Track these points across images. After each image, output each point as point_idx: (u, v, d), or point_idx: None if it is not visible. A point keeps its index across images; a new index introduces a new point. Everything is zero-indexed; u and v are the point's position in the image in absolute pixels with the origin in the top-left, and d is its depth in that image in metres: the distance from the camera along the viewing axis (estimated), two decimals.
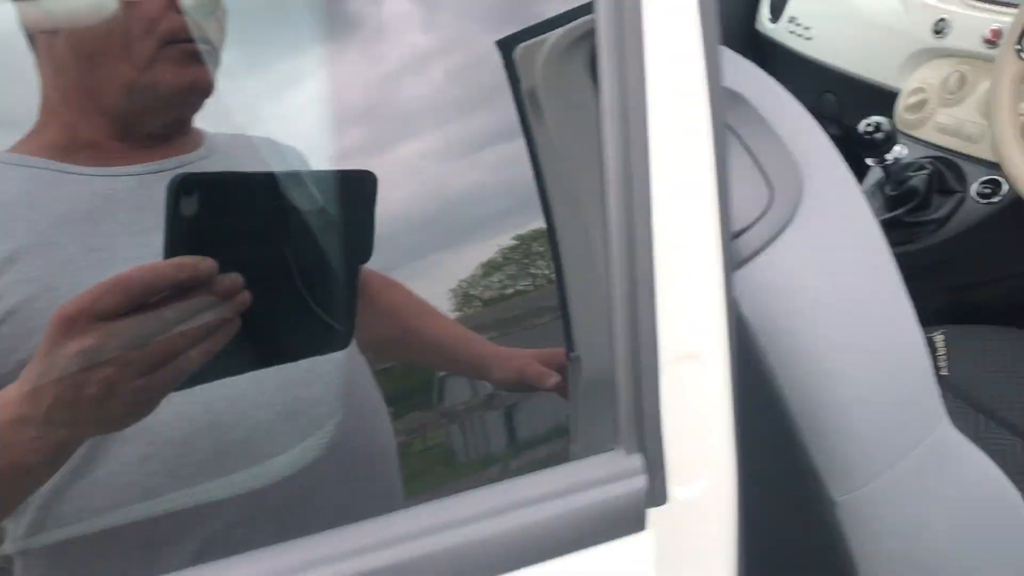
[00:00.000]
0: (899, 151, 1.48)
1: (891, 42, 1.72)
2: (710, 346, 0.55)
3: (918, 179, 1.52)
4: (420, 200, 0.66)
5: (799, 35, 1.99)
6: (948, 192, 1.52)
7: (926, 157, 1.59)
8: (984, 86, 1.51)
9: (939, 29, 1.60)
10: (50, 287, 0.58)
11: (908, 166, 1.58)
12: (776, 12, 2.10)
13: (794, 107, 0.71)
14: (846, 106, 1.92)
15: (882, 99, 1.72)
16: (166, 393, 0.52)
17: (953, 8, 1.59)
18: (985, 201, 1.48)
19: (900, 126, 1.67)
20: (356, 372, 0.67)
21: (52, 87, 0.62)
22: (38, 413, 0.50)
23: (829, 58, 1.91)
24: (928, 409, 0.65)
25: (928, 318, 1.59)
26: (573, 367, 0.67)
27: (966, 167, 1.53)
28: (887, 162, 1.49)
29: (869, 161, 1.50)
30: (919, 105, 1.63)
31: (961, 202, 1.51)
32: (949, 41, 1.59)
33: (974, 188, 1.50)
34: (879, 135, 1.46)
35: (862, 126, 1.48)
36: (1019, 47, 1.24)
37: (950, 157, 1.56)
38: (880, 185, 1.60)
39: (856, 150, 1.49)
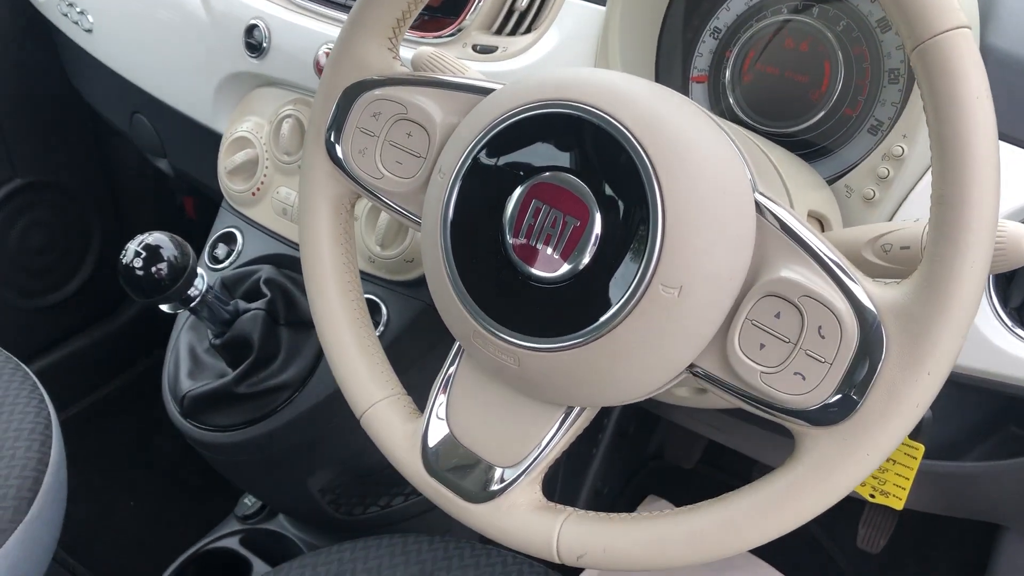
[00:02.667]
0: (201, 283, 0.83)
1: (195, 54, 1.04)
2: None
3: (250, 319, 0.89)
4: None
5: (75, 21, 1.22)
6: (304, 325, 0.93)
7: (258, 262, 0.97)
8: None
9: (254, 43, 0.95)
10: None
11: (237, 285, 0.95)
12: None
13: None
14: (170, 141, 1.22)
15: (212, 143, 1.05)
16: None
17: (271, 8, 0.95)
18: None
19: (230, 201, 1.02)
20: None
21: None
22: None
23: (120, 66, 1.17)
24: None
25: None
26: None
27: None
28: (195, 303, 0.84)
29: (164, 307, 0.84)
30: (248, 168, 0.99)
31: None
32: (269, 64, 0.96)
33: None
34: (159, 271, 0.79)
35: (127, 254, 0.80)
36: (331, 137, 0.64)
37: None
38: (196, 330, 0.96)
39: (129, 291, 0.81)
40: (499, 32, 0.84)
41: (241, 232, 1.00)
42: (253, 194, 0.98)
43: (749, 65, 0.78)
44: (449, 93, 0.61)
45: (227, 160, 0.99)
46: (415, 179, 0.62)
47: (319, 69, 0.90)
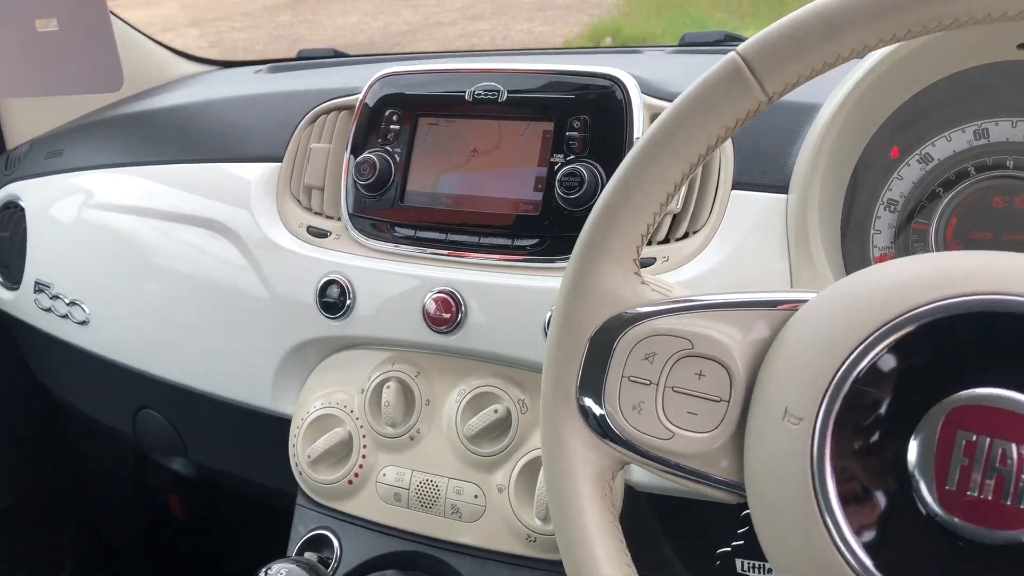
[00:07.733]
0: None
1: (246, 328, 0.87)
2: None
3: None
4: None
5: (62, 315, 1.03)
6: None
7: (371, 568, 0.77)
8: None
9: (332, 301, 0.80)
10: None
11: None
12: (11, 273, 1.11)
13: None
14: (194, 436, 1.01)
15: (269, 429, 0.87)
16: None
17: (348, 259, 0.81)
18: None
19: (314, 495, 0.82)
20: None
21: None
22: None
23: (127, 357, 0.99)
24: None
25: None
26: None
27: None
28: None
29: None
30: (338, 452, 0.81)
31: None
32: (355, 323, 0.80)
33: None
34: None
35: None
36: (583, 395, 0.48)
37: (432, 551, 0.76)
38: None
39: None
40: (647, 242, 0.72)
41: (336, 534, 0.80)
42: (350, 482, 0.79)
43: (953, 233, 0.69)
44: (738, 314, 0.48)
45: (308, 448, 0.80)
46: (719, 431, 0.47)
47: (431, 319, 0.75)
